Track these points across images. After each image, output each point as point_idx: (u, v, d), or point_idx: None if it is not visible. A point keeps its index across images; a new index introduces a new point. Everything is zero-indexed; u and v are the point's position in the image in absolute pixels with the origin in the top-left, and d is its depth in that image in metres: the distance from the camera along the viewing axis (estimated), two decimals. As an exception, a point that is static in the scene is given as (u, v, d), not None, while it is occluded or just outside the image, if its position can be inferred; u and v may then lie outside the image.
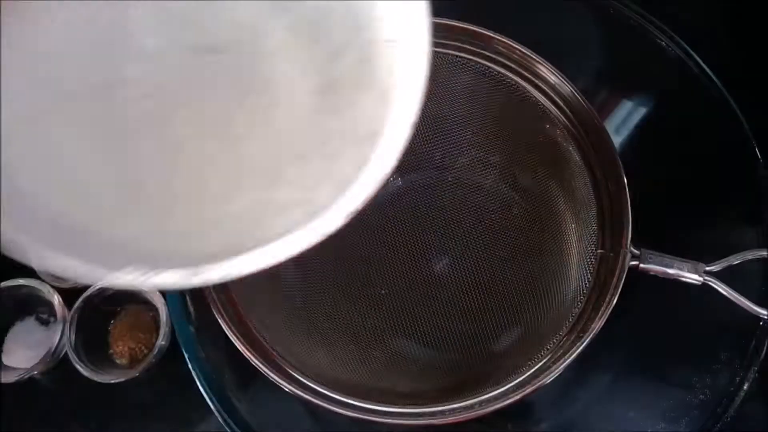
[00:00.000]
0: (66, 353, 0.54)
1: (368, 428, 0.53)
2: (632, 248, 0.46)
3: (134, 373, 0.54)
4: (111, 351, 0.58)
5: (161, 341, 0.55)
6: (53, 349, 0.54)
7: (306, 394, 0.45)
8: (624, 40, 0.63)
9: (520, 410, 0.54)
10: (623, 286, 0.46)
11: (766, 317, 0.45)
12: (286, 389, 0.45)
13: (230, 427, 0.51)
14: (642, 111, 0.61)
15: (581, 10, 0.64)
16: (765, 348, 0.53)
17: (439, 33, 0.52)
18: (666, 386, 0.54)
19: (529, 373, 0.45)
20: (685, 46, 0.61)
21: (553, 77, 0.51)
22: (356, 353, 0.51)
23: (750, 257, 0.46)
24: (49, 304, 0.56)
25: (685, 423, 0.53)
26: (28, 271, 0.56)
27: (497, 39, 0.52)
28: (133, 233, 0.33)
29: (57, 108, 0.35)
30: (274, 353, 0.47)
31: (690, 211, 0.59)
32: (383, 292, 0.53)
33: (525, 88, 0.52)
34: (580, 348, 0.44)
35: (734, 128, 0.58)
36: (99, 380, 0.53)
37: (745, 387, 0.52)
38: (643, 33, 0.62)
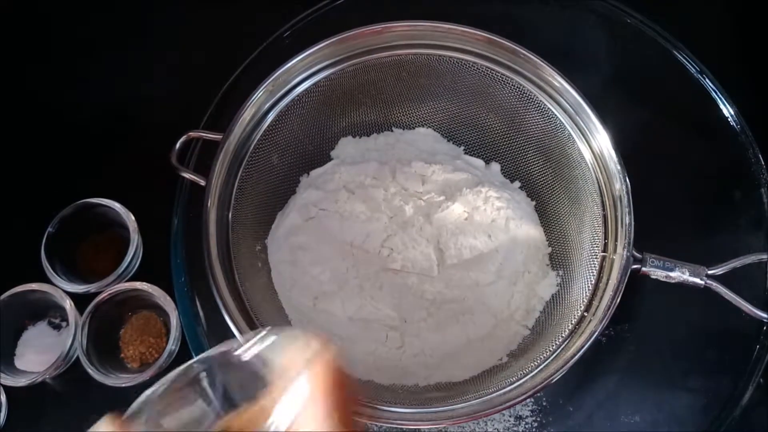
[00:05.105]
0: (77, 357, 0.55)
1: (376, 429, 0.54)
2: (635, 252, 0.47)
3: (145, 377, 0.54)
4: (122, 355, 0.58)
5: (171, 345, 0.55)
6: (65, 353, 0.55)
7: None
8: (630, 47, 0.64)
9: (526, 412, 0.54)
10: (627, 291, 0.46)
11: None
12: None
13: (239, 431, 0.52)
14: (647, 116, 0.62)
15: (586, 16, 0.65)
16: (768, 352, 0.53)
17: (444, 36, 0.54)
18: (670, 390, 0.55)
19: (532, 375, 0.46)
20: (689, 52, 0.61)
21: (557, 81, 0.51)
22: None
23: (750, 261, 0.46)
24: (61, 309, 0.57)
25: (690, 427, 0.53)
26: (41, 276, 0.57)
27: (501, 43, 0.52)
28: None
29: None
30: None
31: (694, 216, 0.60)
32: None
33: (530, 91, 0.53)
34: (583, 349, 0.44)
35: (738, 134, 0.59)
36: (110, 384, 0.54)
37: (748, 391, 0.53)
38: (650, 40, 0.63)
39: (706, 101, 0.60)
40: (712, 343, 0.55)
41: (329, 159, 0.60)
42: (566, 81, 0.51)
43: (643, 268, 0.46)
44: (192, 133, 0.53)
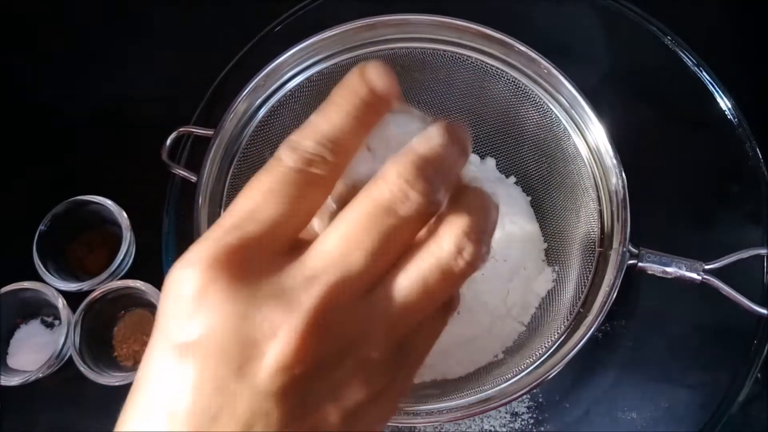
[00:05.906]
0: (70, 356, 0.55)
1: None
2: (631, 247, 0.46)
3: (138, 375, 0.54)
4: (115, 353, 0.58)
5: (165, 343, 0.55)
6: (58, 351, 0.55)
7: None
8: (627, 41, 0.64)
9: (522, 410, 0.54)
10: (623, 286, 0.46)
11: (766, 316, 0.45)
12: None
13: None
14: (643, 109, 0.61)
15: (582, 10, 0.65)
16: (766, 348, 0.53)
17: (439, 30, 0.53)
18: (668, 386, 0.54)
19: (528, 371, 0.46)
20: (686, 45, 0.61)
21: (553, 75, 0.51)
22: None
23: (747, 255, 0.46)
24: (54, 308, 0.56)
25: (687, 423, 0.53)
26: (33, 275, 0.57)
27: (496, 37, 0.52)
28: None
29: None
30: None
31: (691, 210, 0.59)
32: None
33: (526, 85, 0.53)
34: (579, 346, 0.44)
35: (735, 127, 0.58)
36: (103, 383, 0.54)
37: (747, 386, 0.52)
38: (646, 34, 0.62)
39: (703, 94, 0.60)
40: (710, 338, 0.55)
41: (323, 155, 0.59)
42: (562, 74, 0.50)
43: (640, 264, 0.46)
44: (183, 129, 0.52)
